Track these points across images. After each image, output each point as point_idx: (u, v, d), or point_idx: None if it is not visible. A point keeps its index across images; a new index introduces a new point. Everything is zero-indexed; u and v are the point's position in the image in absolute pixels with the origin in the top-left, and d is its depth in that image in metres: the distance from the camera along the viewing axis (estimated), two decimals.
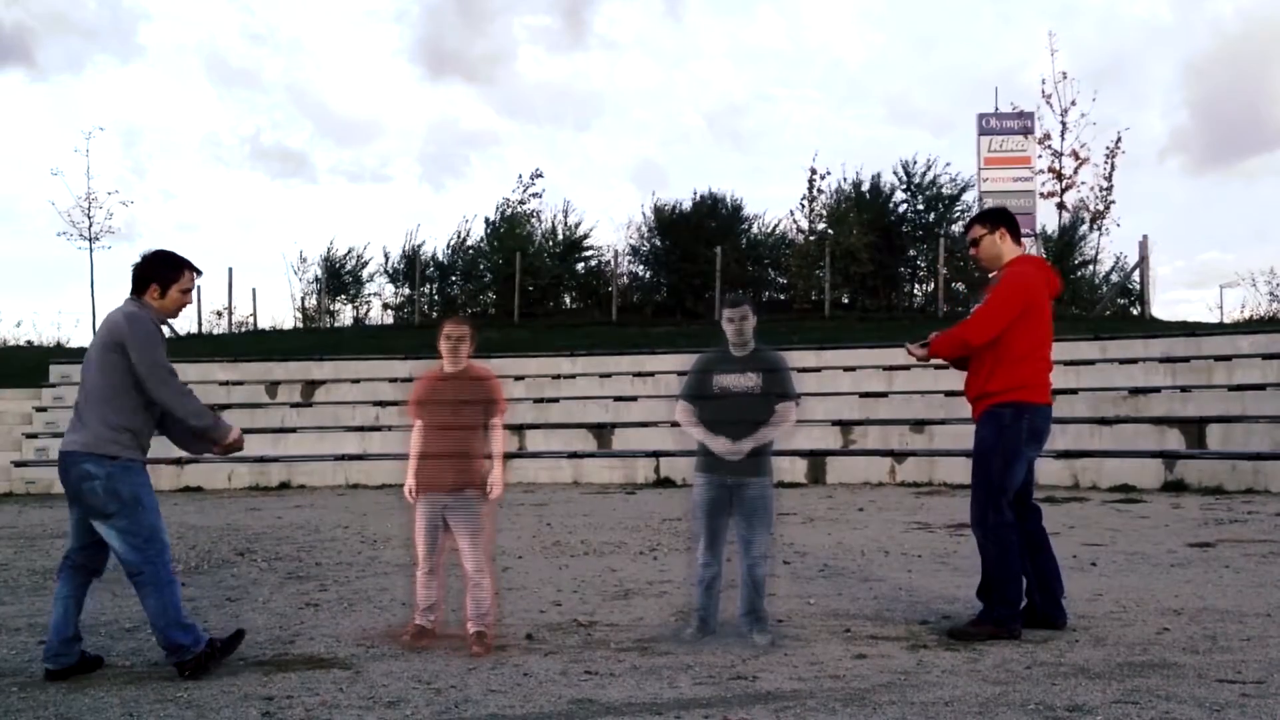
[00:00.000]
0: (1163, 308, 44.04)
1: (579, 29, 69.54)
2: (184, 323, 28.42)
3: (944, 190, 27.79)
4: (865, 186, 27.79)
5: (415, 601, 5.53)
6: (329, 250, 29.92)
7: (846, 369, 17.64)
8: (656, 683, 4.53)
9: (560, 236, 29.37)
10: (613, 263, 28.91)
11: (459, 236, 30.08)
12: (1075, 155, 27.45)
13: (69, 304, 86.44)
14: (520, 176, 32.41)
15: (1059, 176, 27.56)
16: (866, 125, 59.83)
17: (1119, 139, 27.64)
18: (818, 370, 17.62)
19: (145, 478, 4.77)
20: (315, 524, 11.06)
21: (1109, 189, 27.41)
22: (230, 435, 4.90)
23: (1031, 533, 5.54)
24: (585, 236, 29.63)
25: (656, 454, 15.45)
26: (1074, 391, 15.24)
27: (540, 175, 30.77)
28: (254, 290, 39.35)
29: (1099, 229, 27.12)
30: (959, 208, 27.58)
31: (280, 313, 38.05)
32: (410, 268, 29.12)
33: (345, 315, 30.27)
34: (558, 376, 18.90)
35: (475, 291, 29.73)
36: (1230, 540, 8.70)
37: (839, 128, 58.66)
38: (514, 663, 4.92)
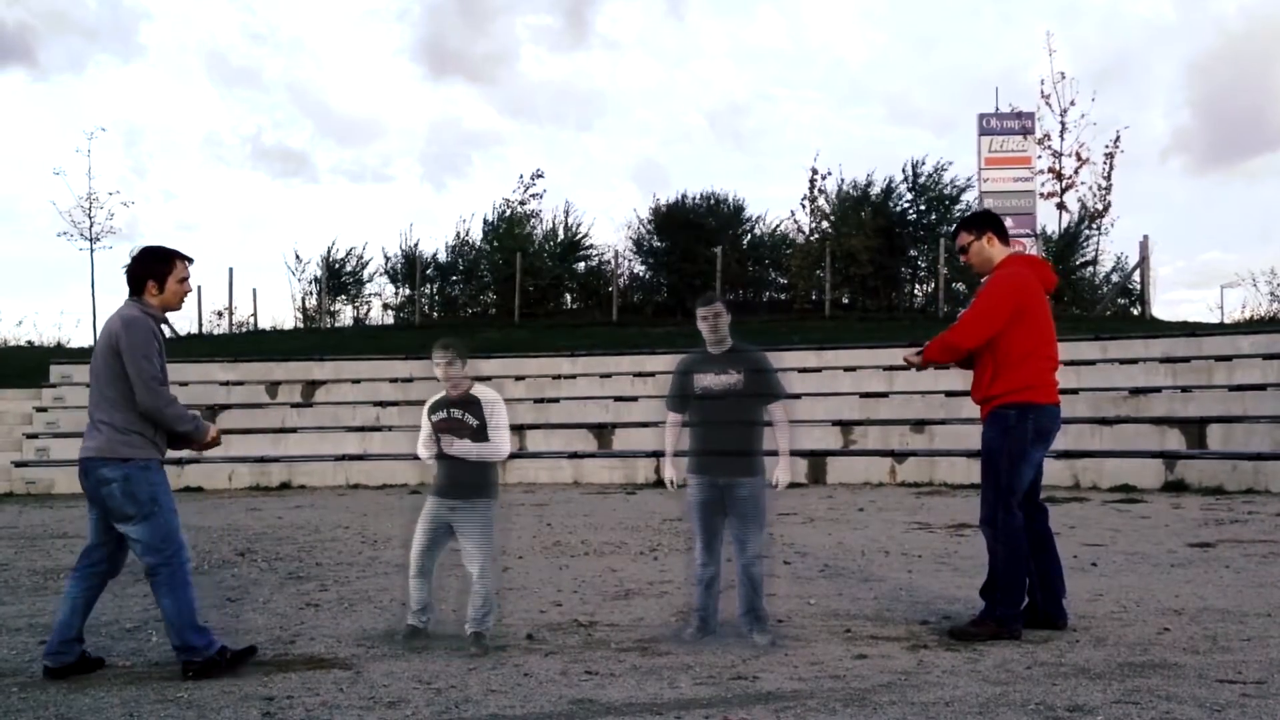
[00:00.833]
0: (1164, 308, 44.13)
1: (581, 28, 69.62)
2: (184, 323, 28.49)
3: (945, 191, 27.81)
4: (865, 186, 27.83)
5: (409, 602, 5.55)
6: (329, 250, 29.97)
7: (847, 369, 17.64)
8: (657, 683, 4.53)
9: (561, 236, 29.37)
10: (613, 263, 28.92)
11: (459, 236, 30.14)
12: (1076, 155, 27.52)
13: (70, 304, 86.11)
14: (521, 177, 32.48)
15: (1059, 177, 27.59)
16: (867, 125, 59.90)
17: (1117, 138, 27.72)
18: (818, 370, 17.63)
19: (162, 477, 4.80)
20: (315, 524, 11.06)
21: (1107, 189, 27.46)
22: (208, 435, 4.95)
23: (1037, 532, 5.54)
24: (585, 236, 29.68)
25: (657, 454, 15.41)
26: (1074, 391, 15.23)
27: (541, 175, 30.84)
28: (254, 290, 39.39)
29: (1098, 229, 27.15)
30: (959, 208, 27.58)
31: (280, 313, 38.13)
32: (410, 268, 29.12)
33: (345, 315, 30.32)
34: (558, 376, 18.90)
35: (475, 291, 29.73)
36: (1230, 540, 8.70)
37: (840, 128, 58.73)
38: (514, 663, 4.92)
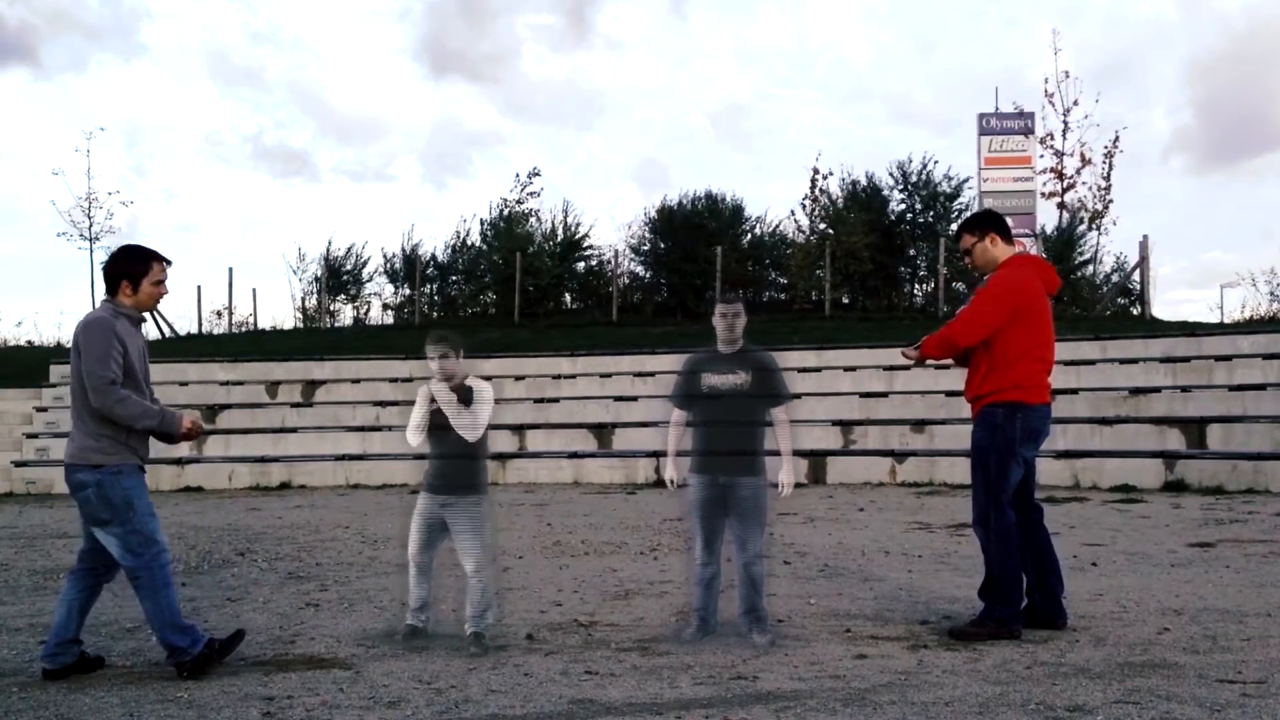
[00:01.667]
0: (1166, 307, 44.12)
1: (582, 28, 69.67)
2: (184, 323, 28.46)
3: (941, 189, 27.78)
4: (865, 185, 27.80)
5: (408, 601, 5.55)
6: (329, 250, 29.96)
7: (847, 369, 17.65)
8: (657, 683, 4.53)
9: (560, 236, 29.37)
10: (613, 263, 28.91)
11: (458, 236, 30.12)
12: (1079, 156, 27.51)
13: (70, 304, 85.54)
14: (518, 176, 32.44)
15: (1060, 176, 27.59)
16: (870, 125, 59.96)
17: (1117, 138, 27.68)
18: (818, 370, 17.64)
19: (137, 480, 4.76)
20: (315, 524, 11.06)
21: (1107, 188, 27.45)
22: (183, 424, 4.84)
23: (1033, 532, 5.55)
24: (585, 236, 29.64)
25: (657, 454, 15.42)
26: (1074, 391, 15.25)
27: (538, 174, 30.80)
28: (254, 290, 39.41)
29: (1098, 228, 27.15)
30: (958, 206, 27.58)
31: (280, 313, 38.14)
32: (410, 268, 29.12)
33: (345, 315, 30.29)
34: (558, 376, 18.90)
35: (475, 291, 29.73)
36: (1230, 540, 8.70)
37: (842, 127, 58.78)
38: (514, 663, 4.92)
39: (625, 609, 6.26)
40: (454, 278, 30.10)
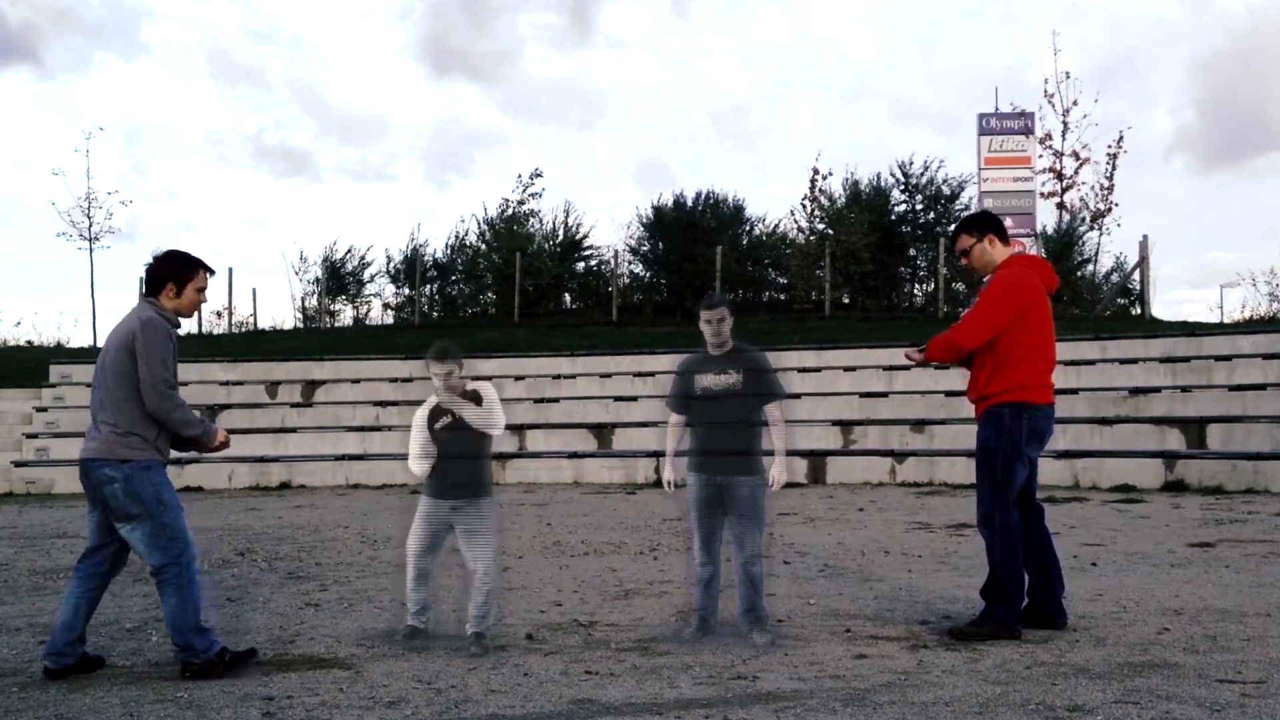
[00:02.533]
0: (1167, 307, 44.14)
1: (584, 27, 69.68)
2: (185, 323, 28.35)
3: (942, 190, 27.79)
4: (865, 186, 27.80)
5: (408, 604, 5.55)
6: (329, 250, 29.96)
7: (847, 369, 17.65)
8: (656, 683, 4.53)
9: (560, 236, 29.36)
10: (613, 263, 28.90)
11: (458, 236, 30.12)
12: (1076, 155, 27.51)
13: (69, 304, 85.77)
14: (520, 176, 32.41)
15: (1060, 176, 27.59)
16: (871, 125, 59.94)
17: (1120, 138, 27.68)
18: (818, 370, 17.64)
19: (164, 476, 4.78)
20: (315, 524, 11.06)
21: (1110, 189, 27.44)
22: (216, 439, 4.95)
23: (1034, 532, 5.55)
24: (585, 236, 29.64)
25: (656, 454, 15.41)
26: (1074, 391, 15.25)
27: (540, 175, 30.77)
28: (254, 290, 39.42)
29: (1099, 229, 27.16)
30: (958, 206, 27.58)
31: (281, 313, 38.12)
32: (410, 268, 29.12)
33: (345, 315, 30.29)
34: (558, 376, 18.90)
35: (475, 291, 29.72)
36: (1230, 540, 8.70)
37: (843, 127, 58.77)
38: (514, 663, 4.92)
39: (625, 609, 6.26)
40: (454, 278, 30.10)
